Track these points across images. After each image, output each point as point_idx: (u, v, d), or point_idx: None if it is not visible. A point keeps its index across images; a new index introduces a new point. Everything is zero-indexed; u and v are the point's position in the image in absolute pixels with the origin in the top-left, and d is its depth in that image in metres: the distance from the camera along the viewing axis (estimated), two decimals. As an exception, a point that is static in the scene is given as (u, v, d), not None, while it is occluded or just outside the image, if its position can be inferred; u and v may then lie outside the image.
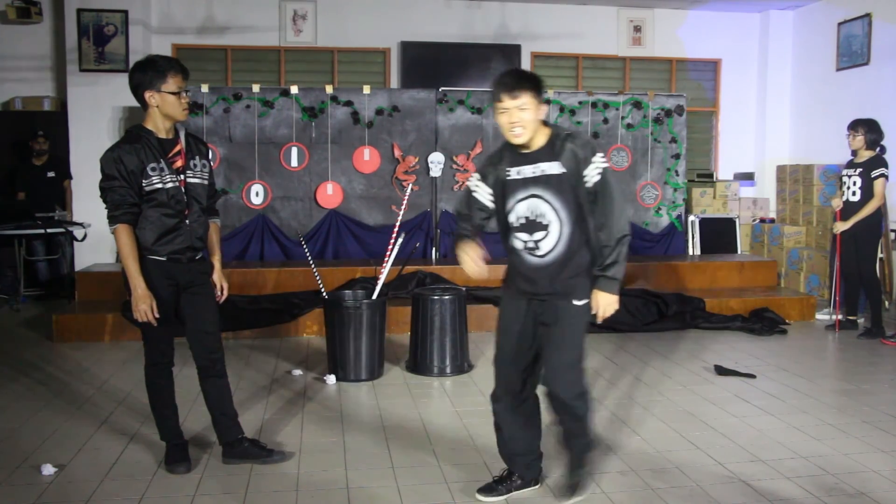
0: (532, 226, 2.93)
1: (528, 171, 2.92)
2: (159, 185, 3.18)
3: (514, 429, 3.13)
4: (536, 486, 3.23)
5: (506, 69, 3.01)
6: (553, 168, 2.88)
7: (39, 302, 7.64)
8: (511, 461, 3.19)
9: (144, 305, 3.16)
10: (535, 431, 3.19)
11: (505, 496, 3.15)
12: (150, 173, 3.16)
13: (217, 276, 3.49)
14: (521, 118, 2.83)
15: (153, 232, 3.20)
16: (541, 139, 2.92)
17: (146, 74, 3.16)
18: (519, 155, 2.95)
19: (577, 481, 3.11)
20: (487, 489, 3.16)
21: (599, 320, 2.97)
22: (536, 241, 2.93)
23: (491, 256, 3.10)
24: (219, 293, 3.49)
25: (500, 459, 3.24)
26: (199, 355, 3.42)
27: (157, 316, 3.20)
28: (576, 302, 2.95)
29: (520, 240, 2.97)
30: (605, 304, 2.93)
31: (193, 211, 3.29)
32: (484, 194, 3.05)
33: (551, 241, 2.92)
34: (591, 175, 2.86)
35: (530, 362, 3.07)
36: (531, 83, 2.85)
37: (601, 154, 2.89)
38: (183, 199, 3.24)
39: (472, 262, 2.98)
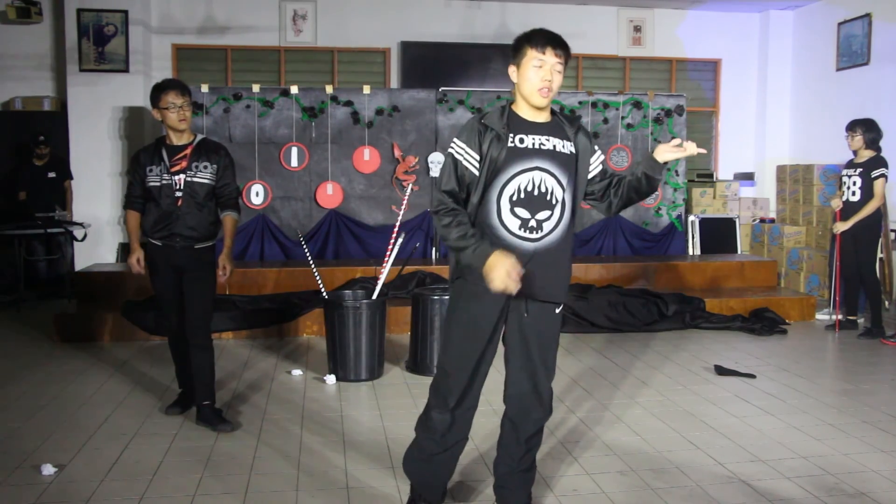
0: (537, 202, 2.62)
1: (536, 141, 2.64)
2: (154, 183, 3.90)
3: (458, 447, 2.86)
4: None
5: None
6: (566, 147, 2.68)
7: (39, 302, 7.64)
8: (433, 479, 2.90)
9: (132, 257, 3.99)
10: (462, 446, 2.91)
11: None
12: (149, 173, 3.92)
13: (222, 258, 3.99)
14: (554, 80, 2.62)
15: (150, 219, 3.94)
16: (547, 114, 2.71)
17: (151, 95, 3.90)
18: (526, 123, 2.66)
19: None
20: None
21: (691, 151, 2.65)
22: (540, 221, 2.63)
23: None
24: (220, 272, 3.98)
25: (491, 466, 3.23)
26: (187, 328, 3.98)
27: (142, 267, 3.96)
28: (557, 311, 2.75)
29: (517, 217, 2.62)
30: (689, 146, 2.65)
31: (185, 204, 3.88)
32: (472, 164, 2.62)
33: (553, 221, 2.65)
34: (596, 165, 2.77)
35: (486, 371, 2.77)
36: (569, 50, 2.68)
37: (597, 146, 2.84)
38: (173, 195, 3.87)
39: (511, 280, 2.46)
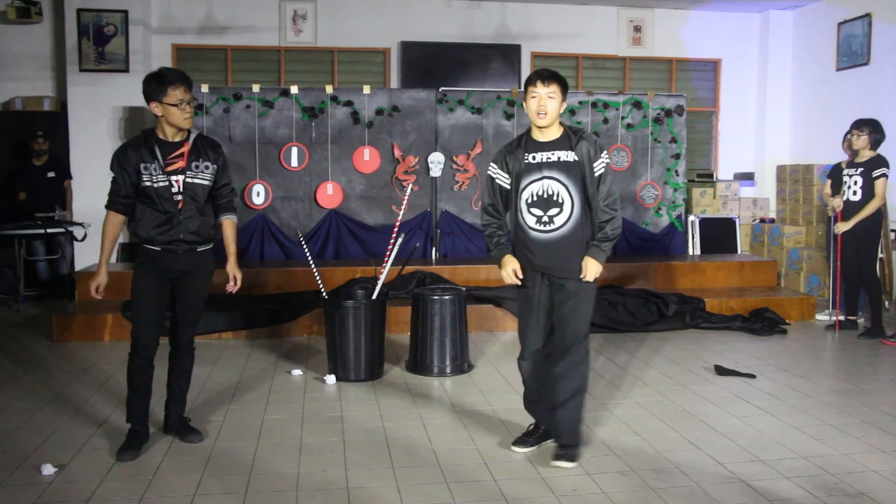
0: (547, 203, 3.43)
1: (544, 156, 3.44)
2: (149, 184, 3.54)
3: (536, 384, 3.62)
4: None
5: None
6: (568, 156, 3.42)
7: (39, 302, 7.64)
8: (535, 413, 3.70)
9: (93, 283, 3.63)
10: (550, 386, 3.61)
11: (535, 447, 3.64)
12: (143, 172, 3.54)
13: (230, 267, 3.80)
14: (547, 105, 3.39)
15: (146, 225, 3.58)
16: (556, 132, 3.46)
17: (150, 86, 3.53)
18: (536, 143, 3.47)
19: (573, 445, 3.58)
20: (520, 441, 3.67)
21: (587, 280, 3.45)
22: (551, 217, 3.42)
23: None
24: (231, 283, 3.80)
25: (501, 458, 3.23)
26: (172, 334, 3.79)
27: (101, 295, 3.62)
28: (579, 283, 3.45)
29: (533, 215, 3.45)
30: (593, 269, 3.42)
31: (187, 207, 3.59)
32: (503, 180, 3.53)
33: (563, 216, 3.42)
34: (599, 167, 3.41)
35: (544, 331, 3.55)
36: (561, 79, 3.45)
37: (605, 152, 3.46)
38: (173, 197, 3.56)
39: (513, 277, 3.48)
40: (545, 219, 3.43)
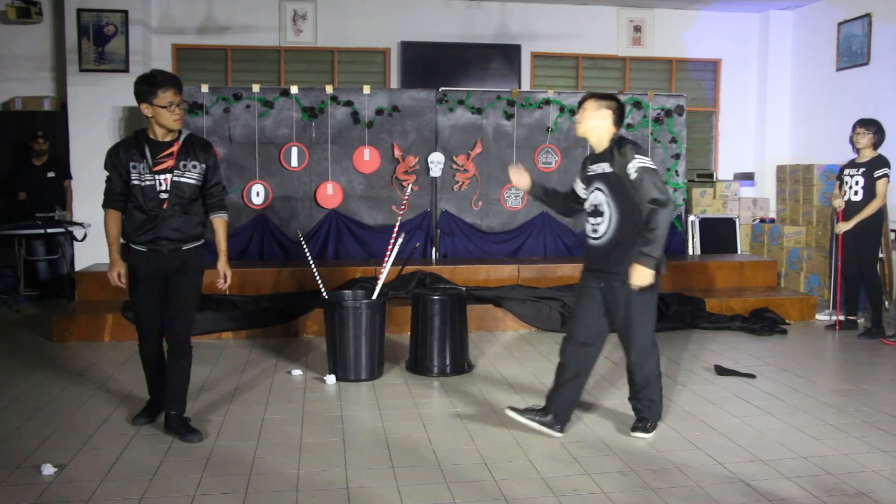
0: (595, 212, 3.72)
1: (596, 168, 3.73)
2: (137, 182, 3.64)
3: (570, 370, 3.80)
4: (560, 434, 3.81)
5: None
6: (605, 167, 3.67)
7: (39, 302, 7.64)
8: (552, 399, 3.84)
9: (113, 272, 3.70)
10: (583, 379, 3.86)
11: (528, 420, 3.80)
12: (132, 171, 3.64)
13: (220, 265, 3.85)
14: (578, 119, 3.80)
15: (131, 223, 3.69)
16: (605, 145, 3.70)
17: (141, 88, 3.60)
18: (594, 156, 3.78)
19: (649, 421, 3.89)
20: (518, 410, 3.85)
21: (634, 287, 3.59)
22: (596, 225, 3.71)
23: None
24: (221, 281, 3.84)
25: (501, 458, 3.24)
26: (167, 332, 3.81)
27: (123, 283, 3.73)
28: (629, 286, 3.61)
29: (589, 223, 3.77)
30: (637, 276, 3.54)
31: (171, 206, 3.66)
32: (580, 189, 3.90)
33: (604, 226, 3.68)
34: (631, 172, 3.56)
35: (594, 323, 3.78)
36: (590, 98, 3.75)
37: (640, 156, 3.58)
38: (158, 196, 3.64)
39: (513, 174, 3.97)
40: (595, 228, 3.72)
